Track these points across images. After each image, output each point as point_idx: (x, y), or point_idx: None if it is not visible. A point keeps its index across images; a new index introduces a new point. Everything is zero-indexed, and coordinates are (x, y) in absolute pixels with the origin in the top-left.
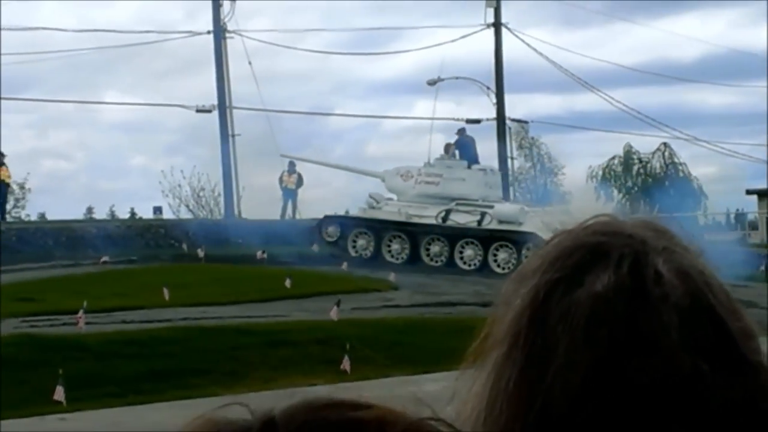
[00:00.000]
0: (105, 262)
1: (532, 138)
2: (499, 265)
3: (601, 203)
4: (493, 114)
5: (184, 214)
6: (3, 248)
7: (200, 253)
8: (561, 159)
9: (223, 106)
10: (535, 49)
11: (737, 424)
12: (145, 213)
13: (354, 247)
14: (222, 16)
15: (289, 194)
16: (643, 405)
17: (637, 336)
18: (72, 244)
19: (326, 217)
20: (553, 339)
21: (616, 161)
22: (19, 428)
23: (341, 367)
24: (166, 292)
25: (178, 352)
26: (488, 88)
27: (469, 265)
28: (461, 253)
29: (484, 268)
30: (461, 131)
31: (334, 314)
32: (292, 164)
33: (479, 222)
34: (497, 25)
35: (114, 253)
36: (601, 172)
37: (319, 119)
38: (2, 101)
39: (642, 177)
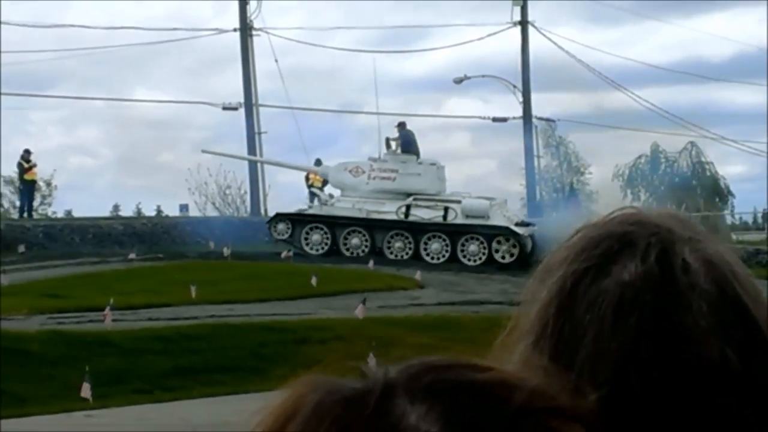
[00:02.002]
0: (131, 259)
1: (559, 136)
2: (468, 258)
3: (628, 202)
4: (520, 112)
5: (211, 212)
6: (30, 245)
7: (226, 251)
8: (587, 157)
9: (249, 103)
10: (561, 48)
11: (764, 412)
12: (172, 210)
13: (308, 244)
14: (248, 14)
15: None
16: (672, 393)
17: (665, 324)
18: (98, 241)
19: (277, 215)
20: (581, 328)
21: (642, 160)
22: (46, 424)
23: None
24: (192, 289)
25: (204, 349)
26: (515, 86)
27: (436, 259)
28: (426, 247)
29: (452, 261)
30: (401, 125)
31: (360, 312)
32: (318, 162)
33: (444, 217)
34: (524, 24)
35: (140, 250)
36: (627, 171)
37: (347, 117)
38: (30, 98)
39: (669, 176)
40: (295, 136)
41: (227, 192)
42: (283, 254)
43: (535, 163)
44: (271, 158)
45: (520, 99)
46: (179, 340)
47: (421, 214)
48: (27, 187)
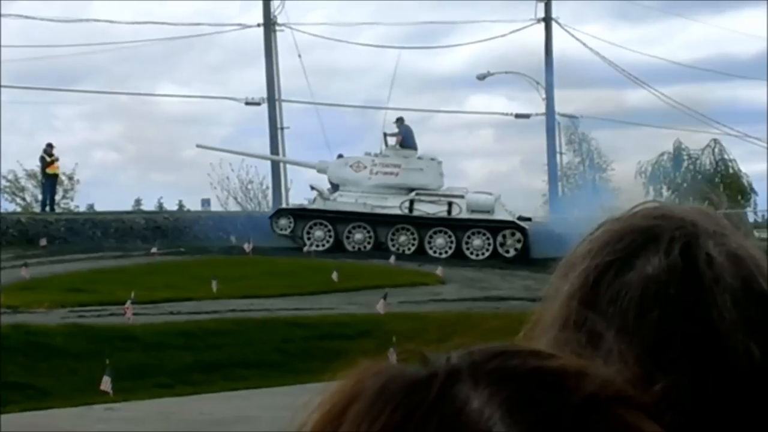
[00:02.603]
0: (153, 254)
1: (582, 133)
2: (472, 253)
3: (650, 199)
4: (543, 109)
5: (233, 207)
6: (52, 239)
7: (248, 246)
8: (610, 155)
9: (272, 99)
10: (585, 44)
11: None
12: (194, 205)
13: (309, 239)
14: (272, 10)
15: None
16: (696, 386)
17: (688, 318)
18: (121, 235)
19: (279, 210)
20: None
21: (665, 157)
22: (68, 417)
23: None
24: (213, 284)
25: (226, 344)
26: (538, 83)
27: (440, 254)
28: (430, 241)
29: (456, 256)
30: (400, 120)
31: (381, 308)
32: (340, 156)
33: (449, 211)
34: (547, 20)
35: (162, 244)
36: (650, 168)
37: (371, 113)
38: (56, 93)
39: (691, 173)
40: (319, 132)
41: (249, 187)
42: (305, 248)
43: (558, 159)
44: (282, 155)
45: (543, 95)
46: (201, 335)
47: (425, 209)
48: (49, 181)
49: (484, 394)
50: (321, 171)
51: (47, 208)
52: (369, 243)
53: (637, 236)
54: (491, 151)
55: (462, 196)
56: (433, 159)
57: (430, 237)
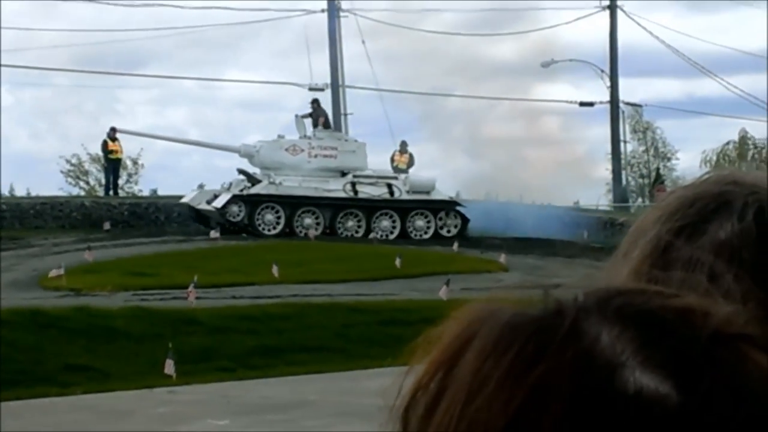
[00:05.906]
0: (216, 239)
1: (647, 122)
2: (414, 234)
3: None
4: (607, 97)
5: None
6: (116, 223)
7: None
8: (675, 144)
9: (336, 85)
10: (651, 33)
11: None
12: None
13: (260, 224)
14: None
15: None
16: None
17: (762, 283)
18: (183, 219)
19: (234, 196)
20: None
21: (730, 147)
22: (129, 399)
23: None
24: (275, 268)
25: (288, 329)
26: (602, 71)
27: (386, 235)
28: (375, 223)
29: (402, 236)
30: (316, 102)
31: (443, 294)
32: (404, 144)
33: (390, 193)
34: (613, 8)
35: (225, 229)
36: (715, 158)
37: (436, 100)
38: (122, 77)
39: (756, 163)
40: (382, 118)
41: None
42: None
43: (622, 148)
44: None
45: (608, 84)
46: (264, 320)
47: (368, 191)
48: (112, 165)
49: (614, 330)
50: (245, 155)
51: (110, 192)
52: (317, 227)
53: (708, 202)
54: (555, 138)
55: (395, 177)
56: (357, 140)
57: (375, 219)
